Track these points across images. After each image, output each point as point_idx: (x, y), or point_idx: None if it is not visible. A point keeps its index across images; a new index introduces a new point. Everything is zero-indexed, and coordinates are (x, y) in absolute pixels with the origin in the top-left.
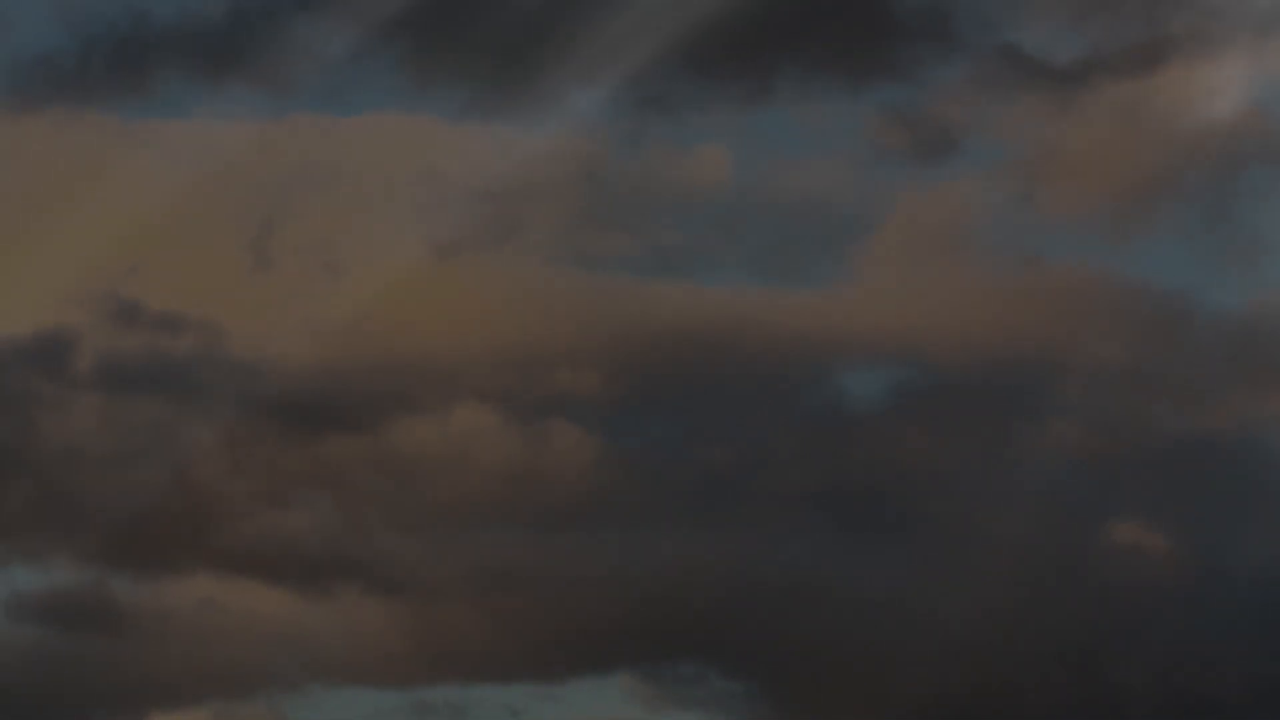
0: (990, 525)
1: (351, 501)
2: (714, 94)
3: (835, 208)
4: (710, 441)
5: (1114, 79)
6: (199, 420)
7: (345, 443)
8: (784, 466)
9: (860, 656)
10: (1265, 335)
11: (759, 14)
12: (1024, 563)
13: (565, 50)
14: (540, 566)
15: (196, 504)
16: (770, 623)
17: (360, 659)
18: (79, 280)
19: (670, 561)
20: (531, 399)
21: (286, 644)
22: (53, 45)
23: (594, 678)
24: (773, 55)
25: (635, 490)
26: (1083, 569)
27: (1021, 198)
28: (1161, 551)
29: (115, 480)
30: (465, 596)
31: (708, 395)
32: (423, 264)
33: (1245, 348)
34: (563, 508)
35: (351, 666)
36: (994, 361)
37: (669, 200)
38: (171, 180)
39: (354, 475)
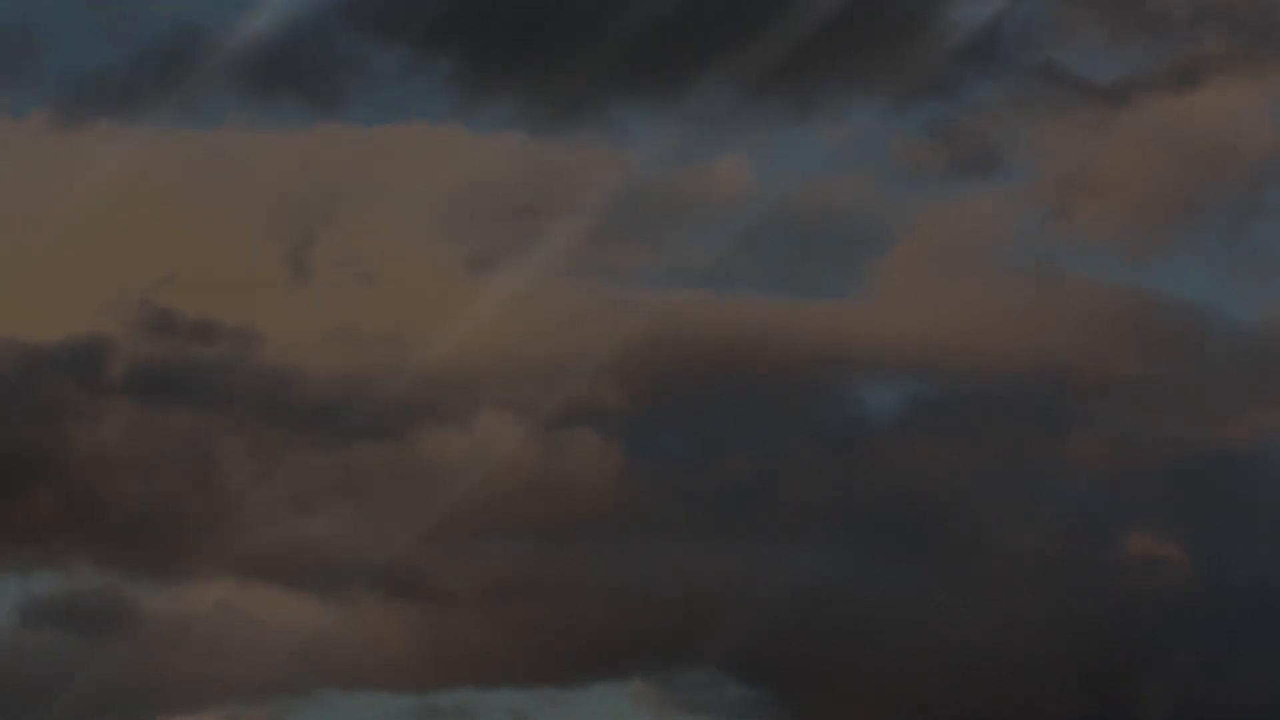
0: (1008, 537)
1: (374, 508)
2: (755, 110)
3: (858, 221)
4: (729, 452)
5: (1153, 97)
6: (229, 427)
7: (371, 450)
8: (802, 478)
9: (875, 667)
10: None
11: (802, 31)
12: (1041, 575)
13: (609, 65)
14: (559, 574)
15: (221, 509)
16: (785, 631)
17: (377, 664)
18: (115, 288)
19: (688, 571)
20: (554, 409)
21: (302, 649)
22: (102, 60)
23: (608, 683)
24: (815, 71)
25: (655, 500)
26: (1100, 581)
27: (1047, 214)
28: (1178, 563)
29: (143, 486)
30: (484, 603)
31: (727, 406)
32: (454, 275)
33: (1262, 362)
34: (583, 517)
35: (367, 671)
36: (1012, 375)
37: (692, 213)
38: (212, 191)
39: (378, 482)
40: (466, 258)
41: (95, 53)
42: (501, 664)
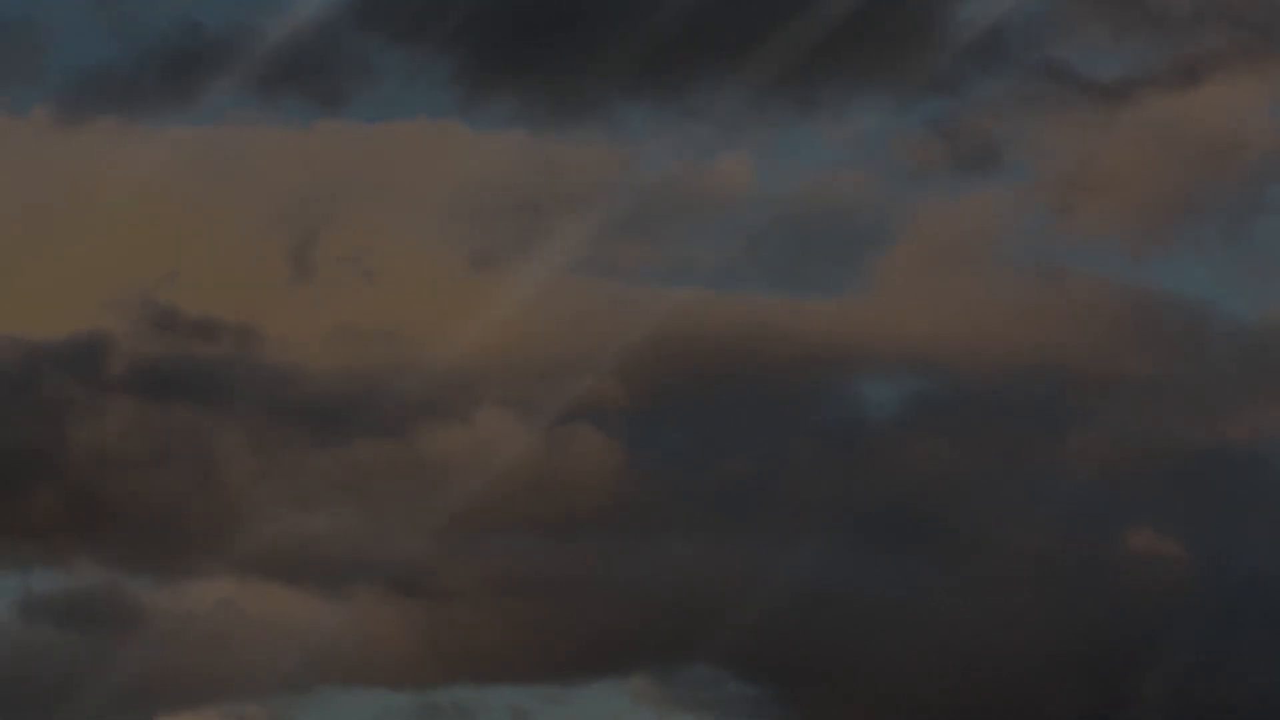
0: (1008, 534)
1: (376, 506)
2: (759, 108)
3: (860, 219)
4: (730, 450)
5: (1155, 95)
6: (230, 425)
7: (372, 447)
8: (802, 475)
9: (876, 663)
10: None
11: (806, 30)
12: (1041, 572)
13: (612, 63)
14: (560, 572)
15: (223, 507)
16: (786, 629)
17: (378, 661)
18: (117, 286)
19: (689, 568)
20: (556, 407)
21: (304, 646)
22: (103, 57)
23: (608, 681)
24: (818, 70)
25: (656, 497)
26: (1100, 578)
27: (1049, 212)
28: (1178, 560)
29: (144, 484)
30: (485, 600)
31: (729, 404)
32: (456, 273)
33: (1262, 361)
34: (584, 514)
35: (368, 668)
36: (1012, 372)
37: (695, 212)
38: (214, 188)
39: (380, 480)
40: (469, 256)
41: (97, 50)
42: (502, 661)
